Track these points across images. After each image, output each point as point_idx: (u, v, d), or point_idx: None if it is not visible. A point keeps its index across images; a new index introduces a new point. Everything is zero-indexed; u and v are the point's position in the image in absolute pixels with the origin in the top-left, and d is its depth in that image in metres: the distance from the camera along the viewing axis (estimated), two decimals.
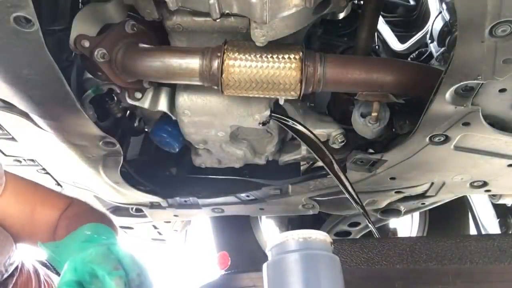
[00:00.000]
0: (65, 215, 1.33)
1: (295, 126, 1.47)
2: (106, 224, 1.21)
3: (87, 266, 1.00)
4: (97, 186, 1.81)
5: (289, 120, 1.47)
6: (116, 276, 0.98)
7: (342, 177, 1.51)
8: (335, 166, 1.49)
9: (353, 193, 1.54)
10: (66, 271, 1.00)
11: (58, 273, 1.50)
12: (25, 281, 1.36)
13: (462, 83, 1.07)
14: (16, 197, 1.30)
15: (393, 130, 1.44)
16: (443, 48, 1.47)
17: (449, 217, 2.80)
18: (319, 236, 1.03)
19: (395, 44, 1.91)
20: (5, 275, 1.26)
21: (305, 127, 1.48)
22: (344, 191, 1.54)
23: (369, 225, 1.64)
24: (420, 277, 1.53)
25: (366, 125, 1.37)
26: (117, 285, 0.97)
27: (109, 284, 0.97)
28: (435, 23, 1.53)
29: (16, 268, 1.27)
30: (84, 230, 1.13)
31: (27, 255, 1.36)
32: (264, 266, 1.05)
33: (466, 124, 1.22)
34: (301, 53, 1.22)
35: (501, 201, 1.90)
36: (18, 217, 1.31)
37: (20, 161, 1.74)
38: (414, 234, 2.96)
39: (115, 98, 1.57)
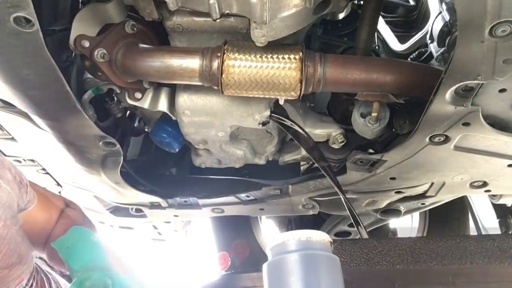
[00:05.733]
0: (63, 215, 1.36)
1: (294, 127, 1.47)
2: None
3: None
4: (97, 186, 1.81)
5: (288, 121, 1.47)
6: None
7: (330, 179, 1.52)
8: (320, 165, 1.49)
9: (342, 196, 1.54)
10: None
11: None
12: None
13: (462, 83, 1.07)
14: (40, 204, 1.31)
15: (393, 130, 1.44)
16: (443, 48, 1.47)
17: (449, 217, 2.80)
18: (319, 236, 1.03)
19: (395, 44, 1.91)
20: None
21: (303, 129, 1.48)
22: (340, 193, 1.54)
23: (359, 227, 1.64)
24: (420, 277, 1.53)
25: (366, 125, 1.37)
26: None
27: None
28: (435, 23, 1.53)
29: (30, 278, 1.26)
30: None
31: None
32: (264, 266, 1.05)
33: (466, 124, 1.22)
34: (301, 53, 1.22)
35: (501, 201, 1.90)
36: (40, 224, 1.33)
37: (20, 161, 1.74)
38: (414, 234, 2.96)
39: (115, 98, 1.57)
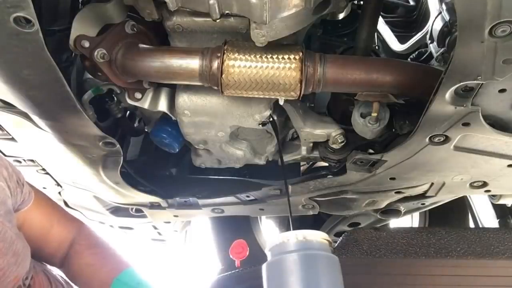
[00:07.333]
0: (79, 243, 1.40)
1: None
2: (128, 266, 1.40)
3: None
4: (97, 187, 1.81)
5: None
6: None
7: None
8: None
9: None
10: None
11: None
12: None
13: (462, 83, 1.07)
14: (40, 209, 1.32)
15: (393, 130, 1.44)
16: (443, 49, 1.47)
17: (449, 217, 2.80)
18: (318, 236, 1.03)
19: (395, 44, 1.91)
20: None
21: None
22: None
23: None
24: (419, 270, 1.54)
25: (366, 126, 1.37)
26: None
27: None
28: (435, 23, 1.53)
29: (28, 277, 1.26)
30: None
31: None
32: (264, 266, 1.05)
33: (466, 124, 1.22)
34: (301, 54, 1.22)
35: (501, 201, 1.90)
36: (37, 229, 1.34)
37: (20, 162, 1.74)
38: None
39: (115, 99, 1.57)
